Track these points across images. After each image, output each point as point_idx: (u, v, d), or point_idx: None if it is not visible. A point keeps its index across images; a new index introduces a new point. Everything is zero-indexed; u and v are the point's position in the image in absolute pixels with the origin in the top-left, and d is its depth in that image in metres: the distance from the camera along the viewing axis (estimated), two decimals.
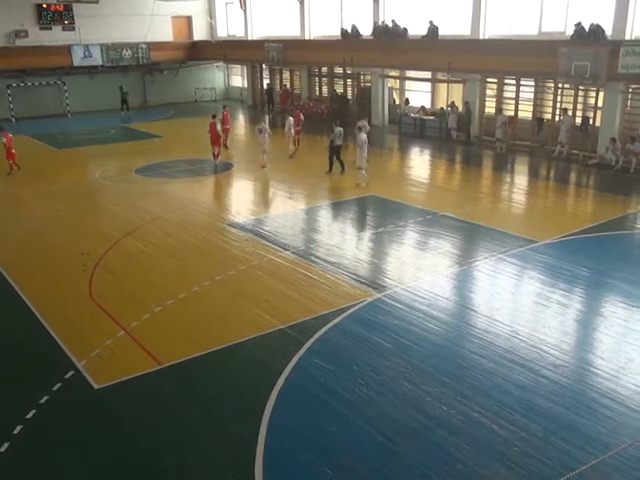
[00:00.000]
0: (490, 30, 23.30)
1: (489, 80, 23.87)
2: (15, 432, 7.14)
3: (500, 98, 23.61)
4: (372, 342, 8.95)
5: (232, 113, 30.19)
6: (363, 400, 7.60)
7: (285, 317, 9.74)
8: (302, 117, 24.02)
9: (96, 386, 8.02)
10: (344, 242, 13.48)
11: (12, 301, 10.68)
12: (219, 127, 21.22)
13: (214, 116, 21.48)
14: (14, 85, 32.88)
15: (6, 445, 6.92)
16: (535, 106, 22.54)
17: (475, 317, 9.73)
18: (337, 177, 18.88)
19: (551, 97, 21.92)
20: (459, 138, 24.35)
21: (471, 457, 6.53)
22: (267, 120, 22.99)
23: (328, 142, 19.23)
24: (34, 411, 7.51)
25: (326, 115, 29.68)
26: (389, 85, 28.72)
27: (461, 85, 24.90)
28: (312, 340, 9.02)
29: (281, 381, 7.98)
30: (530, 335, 9.06)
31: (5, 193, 18.79)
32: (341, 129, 18.82)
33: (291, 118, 22.39)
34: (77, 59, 33.93)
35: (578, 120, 21.08)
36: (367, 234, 14.10)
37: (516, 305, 10.33)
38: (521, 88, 22.70)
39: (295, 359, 8.51)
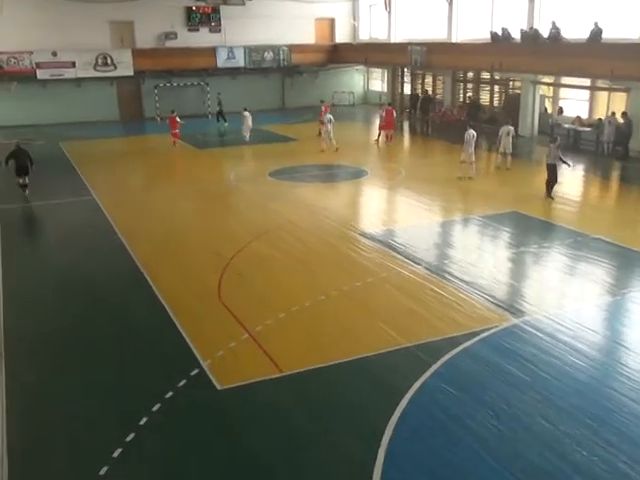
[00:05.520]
0: None
1: None
2: (141, 423, 7.34)
3: None
4: (506, 371, 8.26)
5: (370, 118, 30.10)
6: (492, 434, 6.98)
7: (412, 335, 9.28)
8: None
9: (218, 387, 8.08)
10: (481, 260, 12.71)
11: (148, 298, 11.08)
12: (395, 114, 25.68)
13: (390, 104, 27.80)
14: (161, 85, 34.43)
15: (132, 435, 7.12)
16: None
17: (627, 355, 8.67)
18: (478, 189, 18.04)
19: None
20: (615, 153, 22.31)
21: None
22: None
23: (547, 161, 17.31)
24: (159, 405, 7.69)
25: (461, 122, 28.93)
26: (540, 92, 27.08)
27: (624, 94, 22.80)
28: (439, 363, 8.49)
29: (404, 403, 7.55)
30: None
31: (151, 193, 19.90)
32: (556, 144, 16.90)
33: (329, 116, 24.07)
34: (221, 60, 34.95)
35: None
36: (507, 253, 13.20)
37: None
38: None
39: (420, 381, 8.04)
